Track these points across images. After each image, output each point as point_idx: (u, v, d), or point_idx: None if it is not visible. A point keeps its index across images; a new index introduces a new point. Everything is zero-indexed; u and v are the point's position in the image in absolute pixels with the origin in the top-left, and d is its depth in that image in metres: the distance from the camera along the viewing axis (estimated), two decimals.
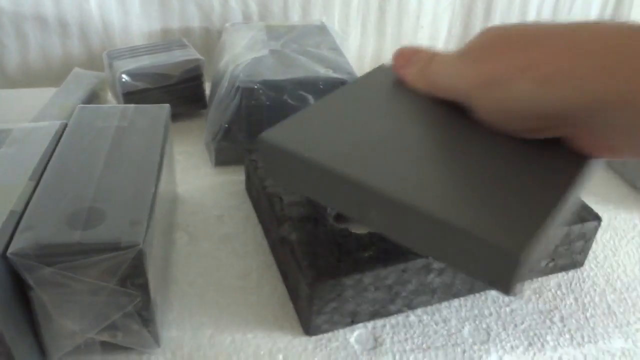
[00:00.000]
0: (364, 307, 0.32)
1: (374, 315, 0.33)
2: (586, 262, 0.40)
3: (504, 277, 0.24)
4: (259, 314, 0.34)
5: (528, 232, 0.24)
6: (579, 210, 0.37)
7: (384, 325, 0.33)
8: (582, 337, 0.34)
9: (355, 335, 0.33)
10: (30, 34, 0.60)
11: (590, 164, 0.29)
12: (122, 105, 0.38)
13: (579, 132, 0.28)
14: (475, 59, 0.28)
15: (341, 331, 0.33)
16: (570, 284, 0.38)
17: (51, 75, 0.62)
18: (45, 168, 0.32)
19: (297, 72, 0.46)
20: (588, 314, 0.35)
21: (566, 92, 0.25)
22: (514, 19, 0.68)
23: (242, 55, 0.48)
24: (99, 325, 0.29)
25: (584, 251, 0.39)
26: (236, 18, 0.63)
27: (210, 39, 0.63)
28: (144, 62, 0.51)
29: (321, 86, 0.45)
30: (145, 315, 0.29)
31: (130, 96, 0.50)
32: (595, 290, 0.38)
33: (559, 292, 0.37)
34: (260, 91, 0.44)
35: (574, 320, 0.35)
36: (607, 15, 0.71)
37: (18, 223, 0.28)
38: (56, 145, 0.34)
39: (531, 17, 0.69)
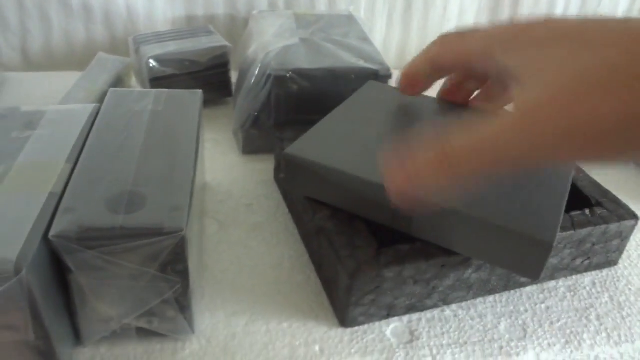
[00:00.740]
0: (401, 300, 0.32)
1: (410, 309, 0.33)
2: (620, 260, 0.39)
3: (536, 264, 0.29)
4: (293, 303, 0.33)
5: (553, 222, 0.29)
6: (617, 208, 0.37)
7: (420, 320, 0.33)
8: (619, 337, 0.33)
9: (391, 328, 0.32)
10: (54, 18, 0.59)
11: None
12: (155, 90, 0.38)
13: None
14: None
15: (377, 324, 0.32)
16: (605, 283, 0.37)
17: (74, 59, 0.62)
18: (81, 150, 0.32)
19: (329, 62, 0.45)
20: (624, 313, 0.35)
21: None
22: (542, 13, 0.67)
23: (272, 43, 0.47)
24: (136, 311, 0.28)
25: (620, 250, 0.38)
26: (262, 6, 0.62)
27: (235, 26, 0.63)
28: (172, 47, 0.51)
29: (353, 76, 0.44)
30: (182, 302, 0.29)
31: (157, 82, 0.50)
32: (630, 289, 0.37)
33: (593, 291, 0.36)
34: (292, 80, 0.43)
35: (610, 319, 0.34)
36: (638, 7, 0.70)
37: (58, 205, 0.27)
38: (90, 127, 0.34)
39: (560, 10, 0.68)
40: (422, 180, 0.25)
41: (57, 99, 0.50)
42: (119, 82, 0.53)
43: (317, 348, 0.31)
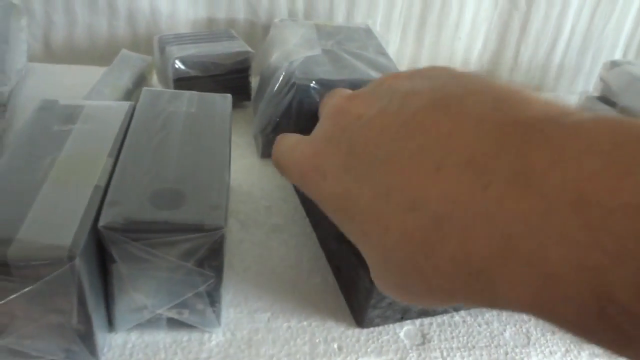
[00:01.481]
0: (415, 304, 0.34)
1: (422, 313, 0.35)
2: None
3: None
4: (311, 303, 0.35)
5: None
6: None
7: (431, 324, 0.35)
8: None
9: (405, 330, 0.34)
10: (79, 12, 0.61)
11: None
12: (188, 92, 0.40)
13: None
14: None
15: (391, 326, 0.34)
16: None
17: (95, 54, 0.63)
18: (121, 146, 0.33)
19: (350, 74, 0.47)
20: None
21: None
22: (548, 35, 0.70)
23: (295, 52, 0.49)
24: (170, 302, 0.30)
25: None
26: (282, 14, 0.64)
27: (255, 32, 0.65)
28: (197, 50, 0.52)
29: None
30: (214, 296, 0.30)
31: (181, 82, 0.51)
32: None
33: None
34: (315, 89, 0.45)
35: None
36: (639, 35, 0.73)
37: (103, 198, 0.29)
38: (128, 124, 0.35)
39: (566, 34, 0.71)
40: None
41: (80, 92, 0.51)
42: (141, 79, 0.54)
43: (335, 346, 0.32)
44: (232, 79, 0.54)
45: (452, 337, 0.34)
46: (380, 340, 0.33)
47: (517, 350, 0.34)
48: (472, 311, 0.36)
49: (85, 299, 0.27)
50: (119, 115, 0.36)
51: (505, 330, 0.35)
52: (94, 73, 0.53)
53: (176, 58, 0.50)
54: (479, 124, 0.17)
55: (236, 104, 0.56)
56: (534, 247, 0.14)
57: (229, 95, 0.40)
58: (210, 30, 0.62)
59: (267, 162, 0.49)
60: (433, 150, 0.18)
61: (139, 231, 0.27)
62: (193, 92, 0.40)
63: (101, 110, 0.37)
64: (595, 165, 0.14)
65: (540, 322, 0.36)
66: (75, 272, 0.25)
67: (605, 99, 0.58)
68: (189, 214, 0.28)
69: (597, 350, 0.35)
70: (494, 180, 0.16)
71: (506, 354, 0.34)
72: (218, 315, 0.32)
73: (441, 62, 0.71)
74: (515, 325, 0.36)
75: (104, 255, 0.28)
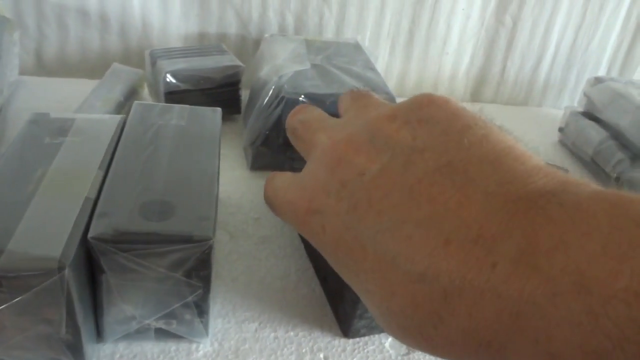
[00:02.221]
0: None
1: None
2: None
3: None
4: (299, 313, 0.36)
5: None
6: None
7: None
8: None
9: (390, 340, 0.35)
10: (71, 26, 0.62)
11: None
12: (178, 105, 0.40)
13: None
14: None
15: (377, 336, 0.35)
16: None
17: (87, 67, 0.64)
18: (111, 159, 0.34)
19: (339, 88, 0.48)
20: None
21: None
22: (534, 51, 0.72)
23: (284, 67, 0.50)
24: (158, 312, 0.30)
25: None
26: (272, 29, 0.65)
27: (245, 46, 0.66)
28: (188, 64, 0.53)
29: None
30: (201, 306, 0.31)
31: (172, 96, 0.52)
32: None
33: None
34: (304, 103, 0.46)
35: None
36: (623, 51, 0.74)
37: (93, 209, 0.29)
38: (119, 138, 0.36)
39: (551, 50, 0.72)
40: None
41: (71, 105, 0.52)
42: (133, 92, 0.55)
43: (321, 355, 0.33)
44: (222, 92, 0.55)
45: None
46: (366, 351, 0.34)
47: None
48: None
49: (74, 310, 0.27)
50: (110, 128, 0.37)
51: None
52: (85, 86, 0.54)
53: (167, 72, 0.51)
54: (485, 199, 0.18)
55: (226, 117, 0.57)
56: (540, 327, 0.15)
57: (219, 109, 0.41)
58: (202, 45, 0.63)
59: (256, 175, 0.49)
60: (441, 222, 0.18)
61: (128, 242, 0.28)
62: (184, 105, 0.41)
63: (92, 123, 0.37)
64: (595, 248, 0.15)
65: None
66: (64, 283, 0.26)
67: (589, 114, 0.60)
68: (177, 225, 0.29)
69: None
70: (501, 259, 0.16)
71: None
72: (206, 326, 0.32)
73: (429, 77, 0.72)
74: None
75: (93, 266, 0.28)
